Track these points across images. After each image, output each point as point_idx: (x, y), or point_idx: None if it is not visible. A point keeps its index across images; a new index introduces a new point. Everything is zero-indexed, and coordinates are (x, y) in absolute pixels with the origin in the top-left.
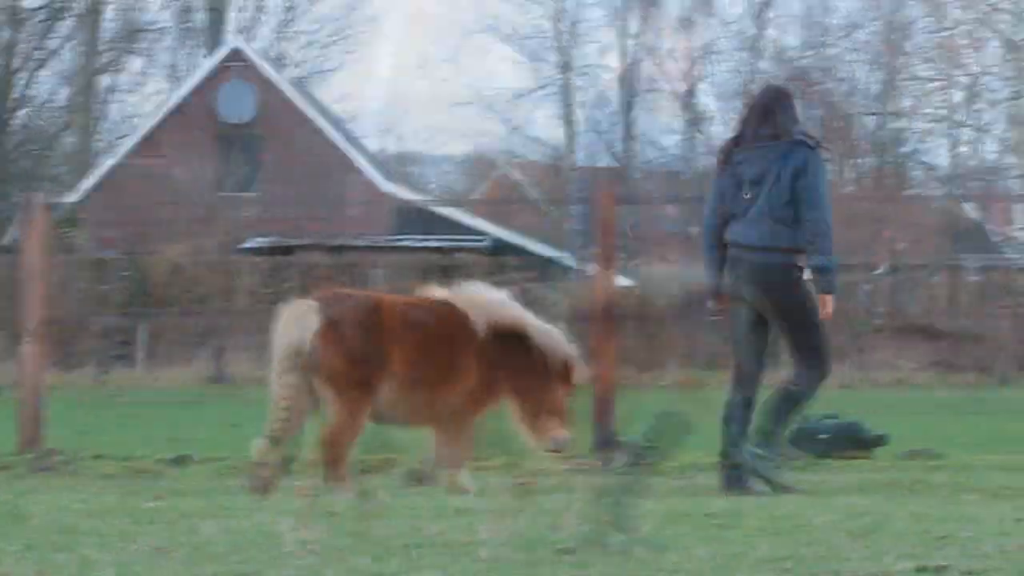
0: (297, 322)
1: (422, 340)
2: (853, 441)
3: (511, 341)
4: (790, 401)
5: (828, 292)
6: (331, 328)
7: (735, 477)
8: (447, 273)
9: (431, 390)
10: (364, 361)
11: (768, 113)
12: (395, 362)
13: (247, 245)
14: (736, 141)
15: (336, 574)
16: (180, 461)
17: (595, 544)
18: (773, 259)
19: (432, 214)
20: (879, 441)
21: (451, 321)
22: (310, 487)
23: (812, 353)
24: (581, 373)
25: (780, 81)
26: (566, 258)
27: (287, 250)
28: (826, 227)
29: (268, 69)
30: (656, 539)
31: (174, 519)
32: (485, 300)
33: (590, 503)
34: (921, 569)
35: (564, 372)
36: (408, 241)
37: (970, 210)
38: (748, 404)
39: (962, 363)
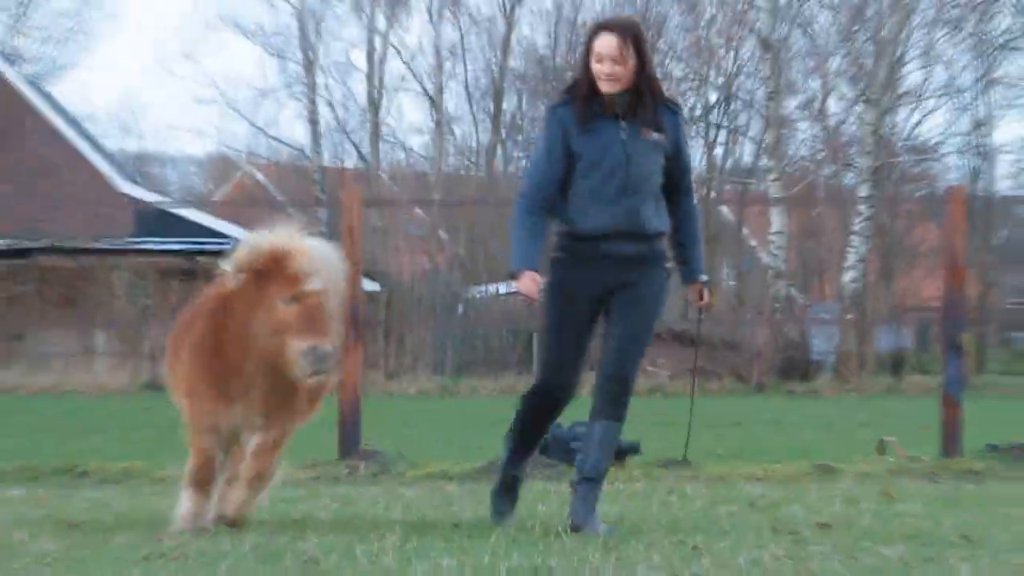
0: None
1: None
2: None
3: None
4: None
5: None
6: None
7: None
8: (189, 276)
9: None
10: None
11: None
12: None
13: None
14: None
15: None
16: None
17: (343, 553)
18: None
19: (173, 215)
20: (632, 449)
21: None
22: (48, 497)
23: None
24: (296, 259)
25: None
26: None
27: (23, 252)
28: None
29: (1, 65)
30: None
31: None
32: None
33: (338, 512)
34: None
35: (274, 277)
36: (149, 244)
37: (724, 213)
38: None
39: (718, 370)
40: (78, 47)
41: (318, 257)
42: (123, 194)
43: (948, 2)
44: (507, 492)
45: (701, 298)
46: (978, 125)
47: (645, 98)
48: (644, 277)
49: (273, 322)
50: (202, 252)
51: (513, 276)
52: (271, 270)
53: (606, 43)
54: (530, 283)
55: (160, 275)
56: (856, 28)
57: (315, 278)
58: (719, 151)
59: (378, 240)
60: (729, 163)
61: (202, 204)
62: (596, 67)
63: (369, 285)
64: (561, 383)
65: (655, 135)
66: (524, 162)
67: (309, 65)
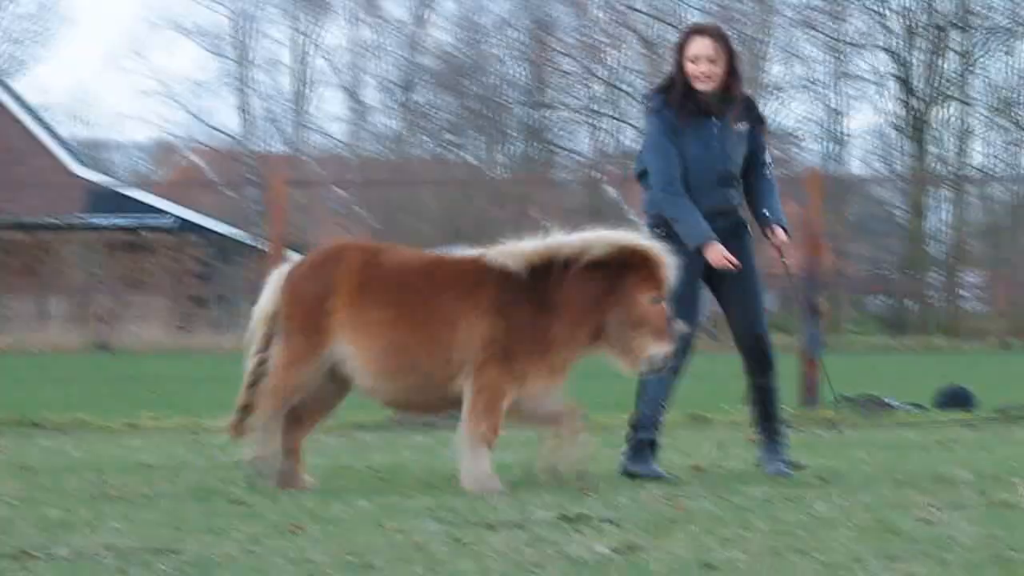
0: (268, 287)
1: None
2: None
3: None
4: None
5: None
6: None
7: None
8: (134, 249)
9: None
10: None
11: None
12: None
13: None
14: None
15: (28, 524)
16: None
17: (268, 495)
18: None
19: (121, 195)
20: None
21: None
22: (7, 444)
23: None
24: (665, 264)
25: None
26: (243, 236)
27: None
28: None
29: None
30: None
31: None
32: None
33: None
34: (562, 517)
35: (640, 273)
36: (98, 220)
37: (609, 192)
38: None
39: None
40: (37, 46)
41: (674, 268)
42: (76, 176)
43: (806, 5)
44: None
45: (779, 240)
46: (832, 114)
47: (733, 94)
48: (739, 244)
49: (636, 315)
50: (145, 227)
51: (699, 251)
52: (635, 266)
53: (701, 45)
54: (720, 252)
55: (108, 248)
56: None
57: (670, 288)
58: (604, 137)
59: (302, 216)
60: (613, 147)
61: (146, 185)
62: (691, 67)
63: (294, 256)
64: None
65: (740, 127)
66: (431, 146)
67: (241, 61)
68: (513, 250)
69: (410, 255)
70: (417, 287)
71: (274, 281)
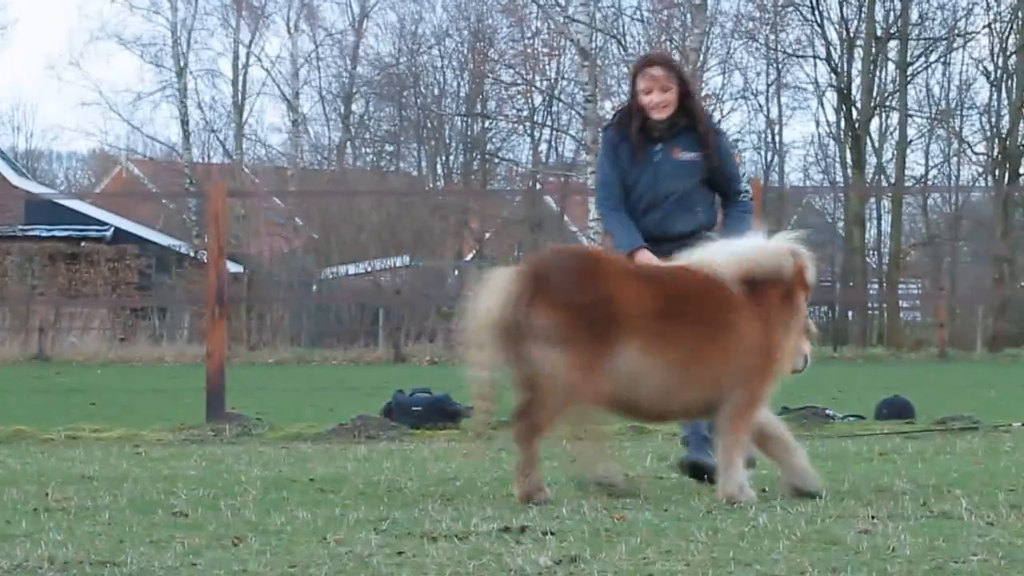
0: (492, 292)
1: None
2: (443, 413)
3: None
4: None
5: None
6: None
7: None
8: (74, 259)
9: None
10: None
11: None
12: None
13: None
14: None
15: None
16: None
17: (208, 507)
18: None
19: (60, 206)
20: (466, 413)
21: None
22: None
23: None
24: (809, 267)
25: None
26: (182, 246)
27: None
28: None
29: None
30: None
31: None
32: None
33: (205, 470)
34: (504, 529)
35: (799, 277)
36: (38, 231)
37: (549, 203)
38: None
39: None
40: None
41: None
42: (15, 187)
43: (744, 16)
44: None
45: None
46: (770, 124)
47: (689, 121)
48: None
49: (800, 318)
50: (85, 238)
51: (630, 257)
52: (798, 273)
53: (651, 76)
54: (647, 256)
55: (48, 258)
56: (663, 39)
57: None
58: (544, 147)
59: (241, 226)
60: (552, 158)
61: (85, 196)
62: (645, 98)
63: (233, 266)
64: None
65: (686, 155)
66: (371, 157)
67: (181, 72)
68: (727, 258)
69: (658, 264)
70: (689, 298)
71: (501, 286)
